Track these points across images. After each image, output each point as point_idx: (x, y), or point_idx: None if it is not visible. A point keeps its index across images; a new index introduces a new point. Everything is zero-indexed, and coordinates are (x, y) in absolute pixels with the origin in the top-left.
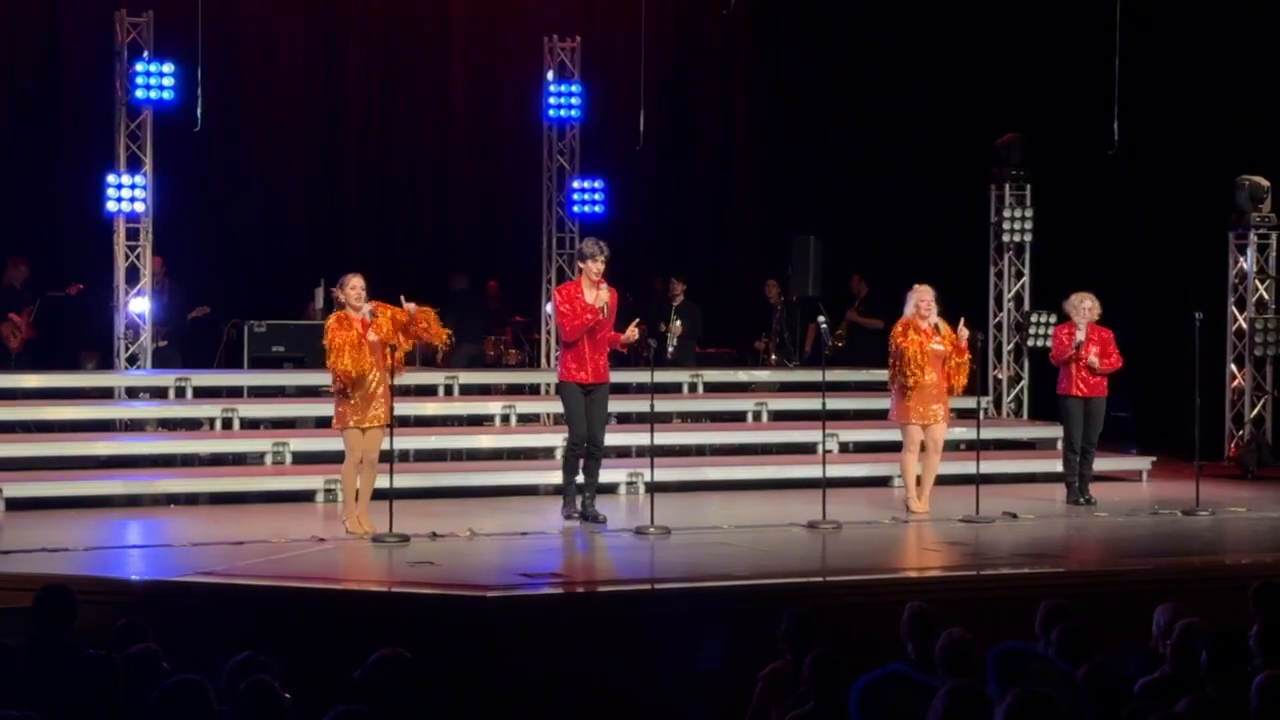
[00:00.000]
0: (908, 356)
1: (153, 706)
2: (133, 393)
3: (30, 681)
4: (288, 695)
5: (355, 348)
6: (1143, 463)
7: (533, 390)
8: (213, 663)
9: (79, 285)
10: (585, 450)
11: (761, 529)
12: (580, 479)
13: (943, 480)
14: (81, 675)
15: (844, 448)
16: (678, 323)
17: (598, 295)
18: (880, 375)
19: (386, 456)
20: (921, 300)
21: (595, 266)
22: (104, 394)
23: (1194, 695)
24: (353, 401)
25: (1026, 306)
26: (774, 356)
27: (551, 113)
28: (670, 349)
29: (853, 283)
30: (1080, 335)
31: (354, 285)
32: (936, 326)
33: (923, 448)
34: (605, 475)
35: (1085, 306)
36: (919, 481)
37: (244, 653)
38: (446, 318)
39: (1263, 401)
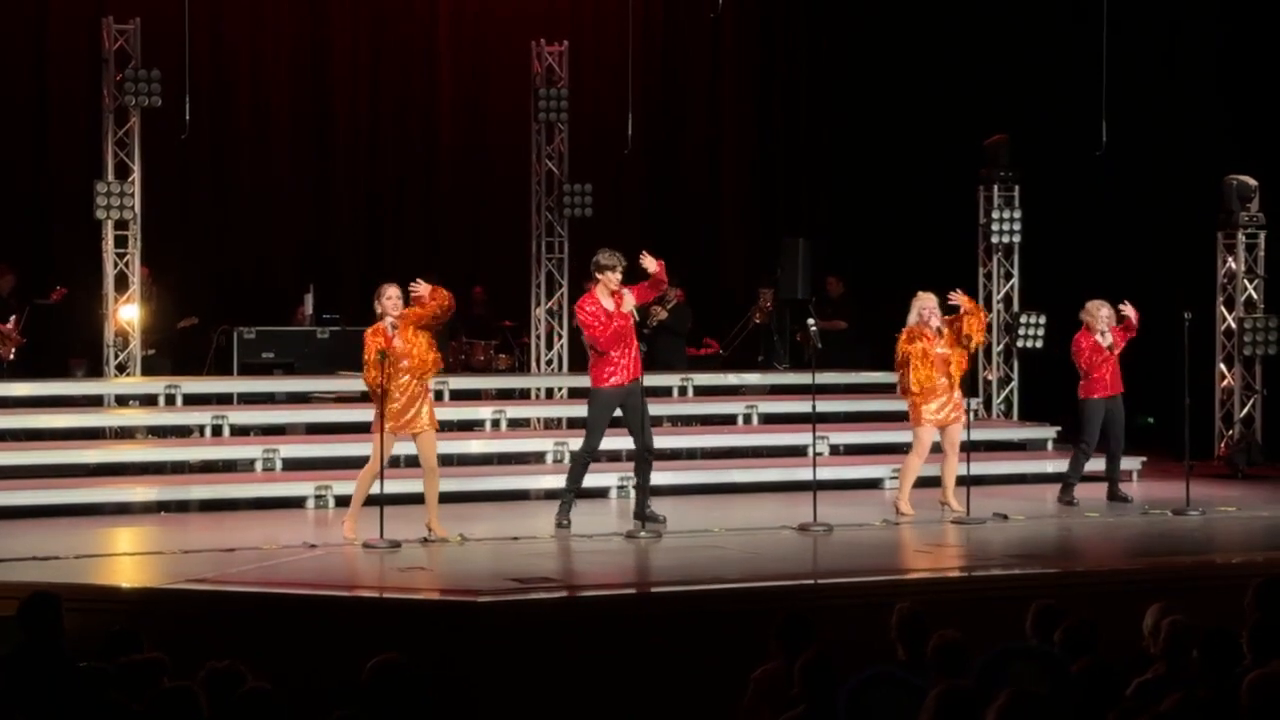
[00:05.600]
0: (914, 363)
1: (144, 716)
2: (122, 400)
3: (17, 693)
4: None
5: (378, 362)
6: (1133, 463)
7: (523, 395)
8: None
9: (62, 289)
10: (636, 455)
11: (753, 532)
12: (634, 481)
13: (935, 482)
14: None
15: (834, 450)
16: (664, 311)
17: (624, 300)
18: (869, 378)
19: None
20: (924, 307)
21: (615, 277)
22: (93, 402)
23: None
24: (385, 409)
25: (1016, 308)
26: (763, 312)
27: (540, 116)
28: (648, 327)
29: (828, 284)
30: (1107, 339)
31: (389, 295)
32: (940, 330)
33: (938, 449)
34: (595, 479)
35: (1104, 315)
36: (938, 483)
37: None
38: None
39: (1252, 401)
